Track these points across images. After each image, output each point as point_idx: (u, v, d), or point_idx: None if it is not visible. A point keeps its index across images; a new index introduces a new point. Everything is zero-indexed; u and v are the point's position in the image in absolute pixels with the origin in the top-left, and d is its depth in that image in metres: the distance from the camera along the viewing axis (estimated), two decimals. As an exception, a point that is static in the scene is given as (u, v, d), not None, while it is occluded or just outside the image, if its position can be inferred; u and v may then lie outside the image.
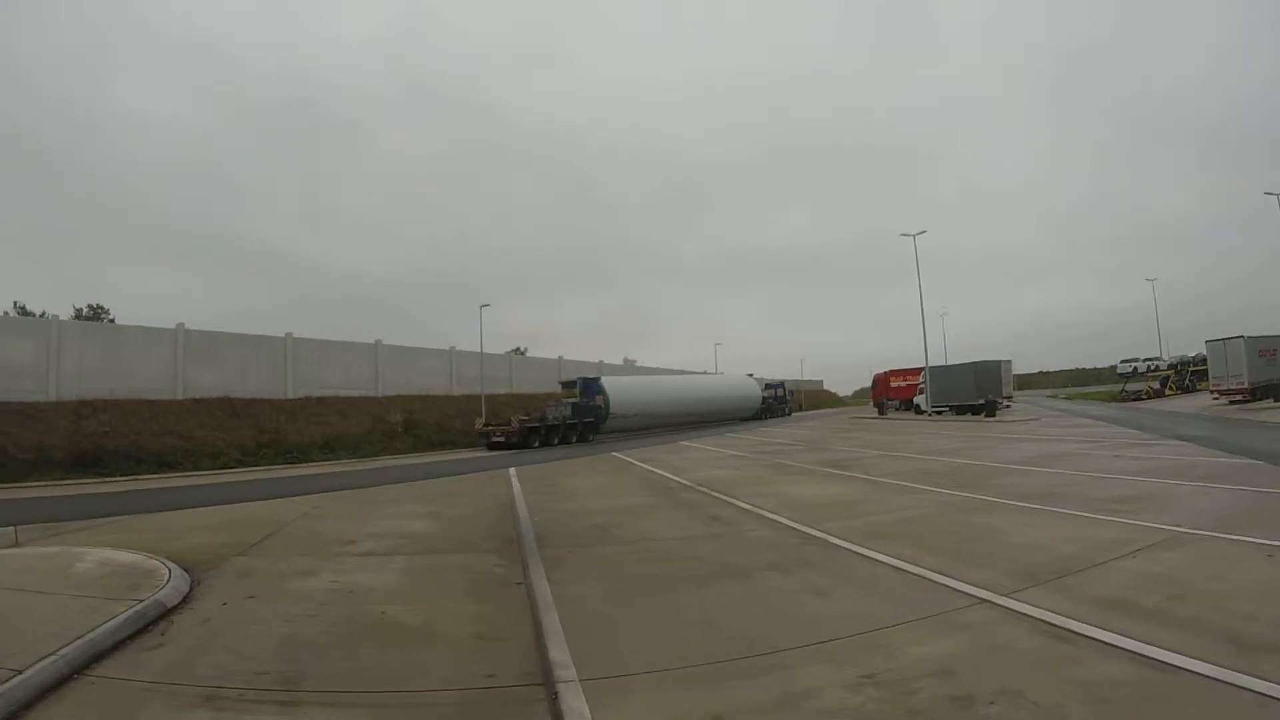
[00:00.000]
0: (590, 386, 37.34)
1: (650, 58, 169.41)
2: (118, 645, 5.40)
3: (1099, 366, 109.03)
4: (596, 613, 6.13)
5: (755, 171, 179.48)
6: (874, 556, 7.53)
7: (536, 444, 31.54)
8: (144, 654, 5.30)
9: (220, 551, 8.73)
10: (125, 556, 8.09)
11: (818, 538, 8.72)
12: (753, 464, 19.42)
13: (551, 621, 5.76)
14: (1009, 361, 49.20)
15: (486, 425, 32.52)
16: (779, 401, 58.10)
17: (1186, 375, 55.77)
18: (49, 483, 19.73)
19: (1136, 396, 53.83)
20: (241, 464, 24.78)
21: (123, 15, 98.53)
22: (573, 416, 34.77)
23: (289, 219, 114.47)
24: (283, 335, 32.00)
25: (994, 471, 14.91)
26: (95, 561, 7.85)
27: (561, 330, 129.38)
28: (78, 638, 5.20)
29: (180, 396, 27.24)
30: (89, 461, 21.94)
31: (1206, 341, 41.11)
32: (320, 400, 31.88)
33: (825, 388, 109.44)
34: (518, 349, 54.71)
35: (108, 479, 20.83)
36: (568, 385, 38.39)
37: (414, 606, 6.49)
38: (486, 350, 41.17)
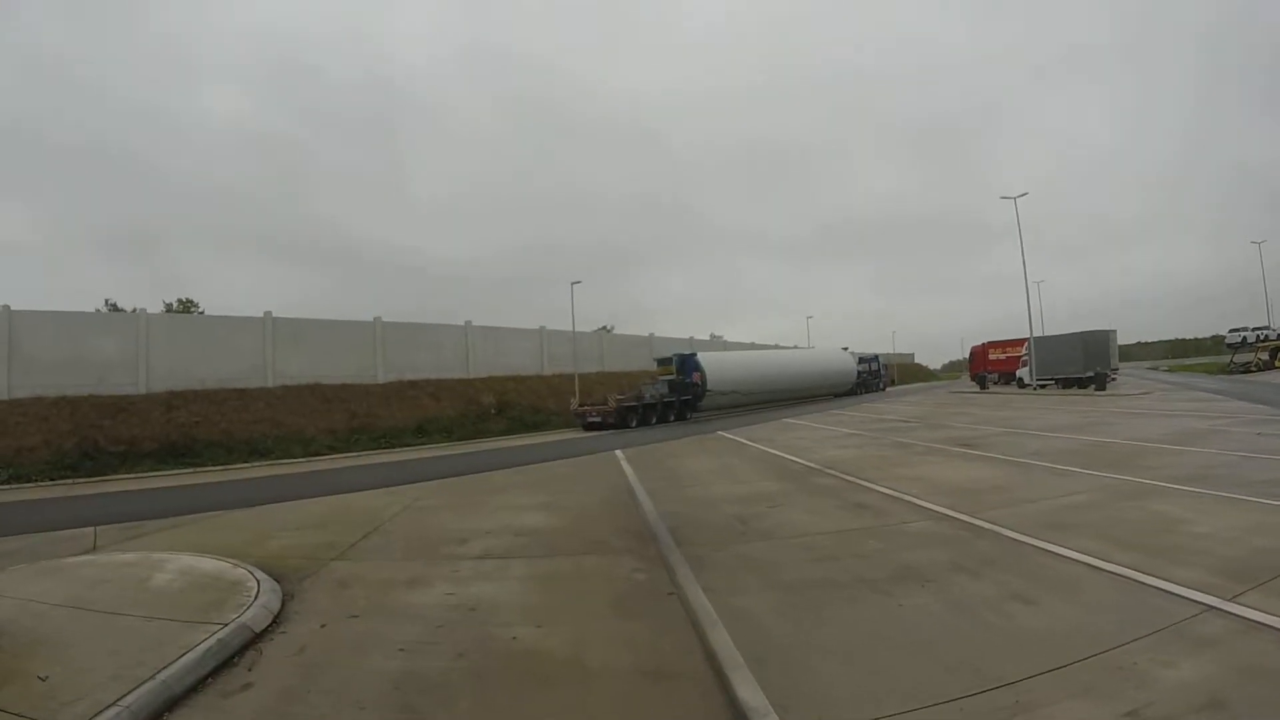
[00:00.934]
0: (687, 363, 35.88)
1: (733, 43, 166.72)
2: (196, 686, 4.37)
3: (1199, 336, 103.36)
4: (775, 632, 5.04)
5: (840, 142, 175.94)
6: (1060, 552, 6.67)
7: (634, 424, 30.44)
8: (226, 699, 4.28)
9: (316, 554, 7.76)
10: (209, 564, 7.09)
11: (987, 529, 7.77)
12: (873, 443, 18.08)
13: (724, 646, 4.75)
14: (1114, 331, 46.60)
15: (582, 406, 31.57)
16: (873, 376, 56.35)
17: None
18: (140, 475, 19.28)
19: (1245, 368, 51.35)
20: (333, 450, 24.10)
21: (195, 17, 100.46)
22: (670, 395, 33.57)
23: (371, 207, 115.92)
24: (371, 320, 31.45)
25: (1137, 451, 13.76)
26: (175, 571, 6.83)
27: (645, 308, 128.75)
28: (147, 679, 4.19)
29: (270, 384, 26.82)
30: (180, 452, 21.49)
31: None
32: (411, 384, 31.21)
33: (916, 361, 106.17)
34: (603, 327, 53.78)
35: (199, 469, 20.29)
36: (663, 362, 37.01)
37: (553, 628, 5.31)
38: (566, 329, 40.19)
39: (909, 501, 9.60)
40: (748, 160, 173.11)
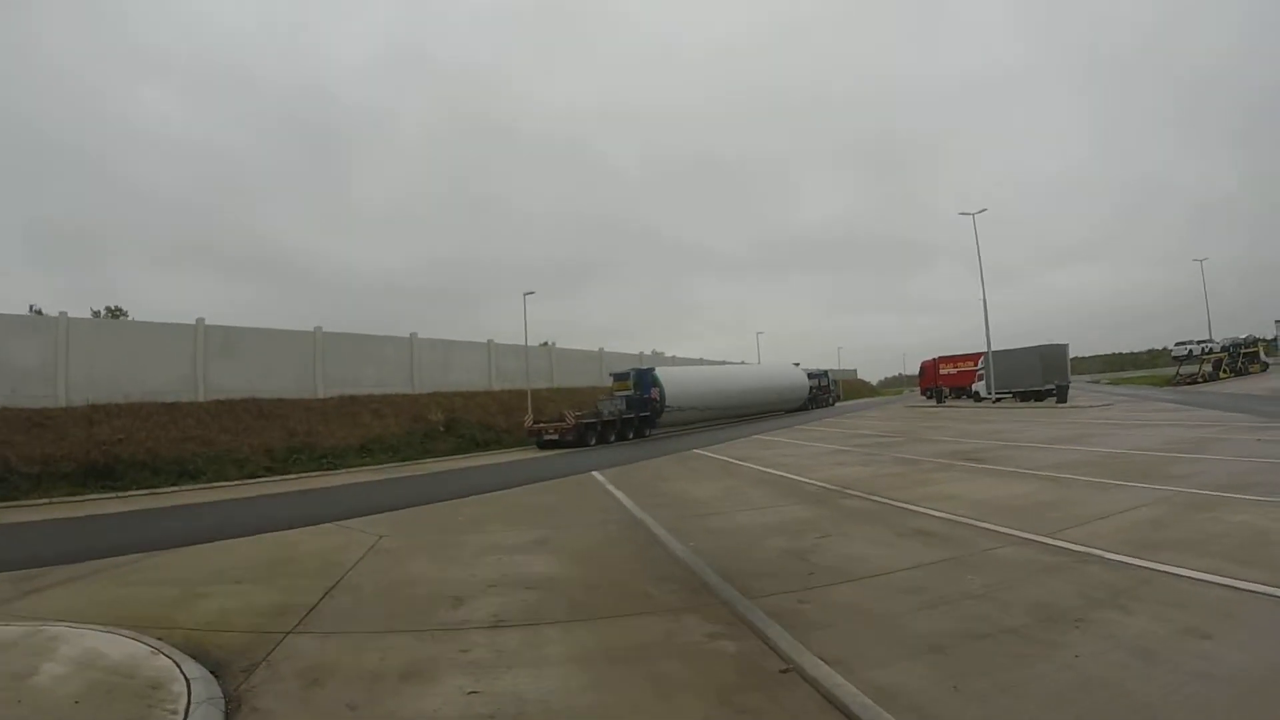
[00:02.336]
0: (644, 378, 34.42)
1: (666, 45, 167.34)
2: None
3: (1135, 351, 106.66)
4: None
5: (781, 162, 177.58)
6: (1185, 574, 6.03)
7: (593, 442, 28.91)
8: None
9: (266, 624, 5.82)
10: (120, 646, 5.07)
11: (1082, 552, 6.97)
12: (872, 459, 17.02)
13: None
14: (1068, 345, 46.65)
15: (538, 423, 29.77)
16: (823, 392, 56.04)
17: (1239, 358, 55.59)
18: (55, 500, 16.80)
19: (1191, 380, 52.64)
20: (270, 471, 21.83)
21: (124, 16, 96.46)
22: (628, 411, 32.07)
23: (306, 218, 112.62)
24: (311, 329, 29.20)
25: (1154, 460, 13.40)
26: (70, 660, 4.80)
27: (587, 325, 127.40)
28: None
29: (201, 398, 24.31)
30: (101, 472, 19.01)
31: (1277, 321, 39.72)
32: (354, 399, 28.88)
33: (859, 377, 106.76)
34: (545, 343, 52.33)
35: (122, 493, 17.86)
36: (619, 378, 35.42)
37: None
38: (520, 343, 38.73)
39: (969, 524, 8.64)
40: (693, 179, 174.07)
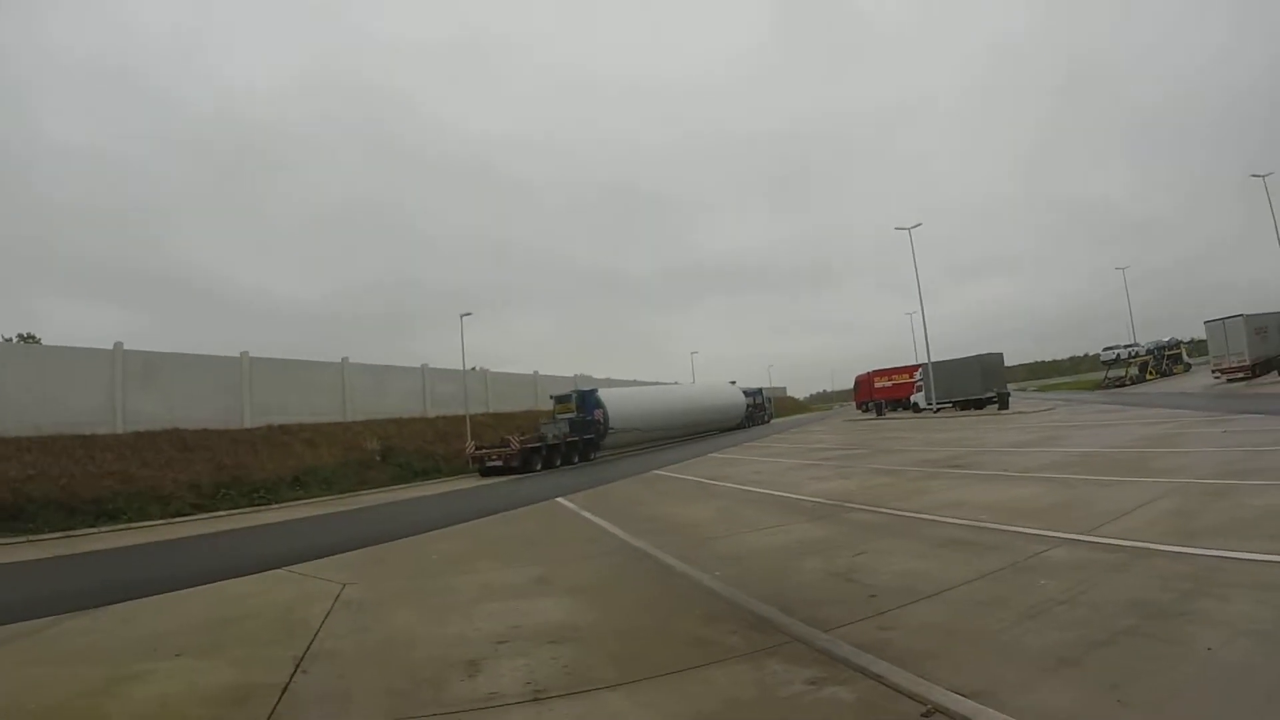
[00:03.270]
0: (587, 400, 33.34)
1: (578, 72, 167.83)
2: None
3: (1058, 359, 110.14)
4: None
5: (693, 186, 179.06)
6: (1257, 558, 5.78)
7: (539, 466, 27.67)
8: None
9: None
10: None
11: (1139, 547, 6.62)
12: (849, 472, 16.33)
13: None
14: (1003, 354, 47.35)
15: (480, 449, 28.41)
16: (759, 409, 55.91)
17: (1163, 360, 58.29)
18: None
19: (1120, 382, 54.90)
20: (198, 509, 19.96)
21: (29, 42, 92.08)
22: (572, 434, 30.90)
23: (222, 242, 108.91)
24: (237, 355, 27.30)
25: (1136, 457, 13.42)
26: None
27: (510, 351, 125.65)
28: None
29: (120, 430, 22.29)
30: (10, 513, 16.86)
31: (1206, 322, 42.75)
32: (284, 428, 27.04)
33: (789, 394, 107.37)
34: (473, 368, 51.05)
35: (34, 537, 15.85)
36: (561, 399, 34.04)
37: None
38: (451, 368, 37.46)
39: (1000, 530, 8.09)
40: (609, 207, 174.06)
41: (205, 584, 9.05)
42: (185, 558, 12.44)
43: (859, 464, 17.90)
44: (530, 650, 5.34)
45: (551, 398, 35.36)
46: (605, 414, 32.93)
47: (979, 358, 43.65)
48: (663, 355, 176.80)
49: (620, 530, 10.89)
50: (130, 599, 8.27)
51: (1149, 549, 6.52)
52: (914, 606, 5.60)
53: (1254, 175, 39.97)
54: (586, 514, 13.19)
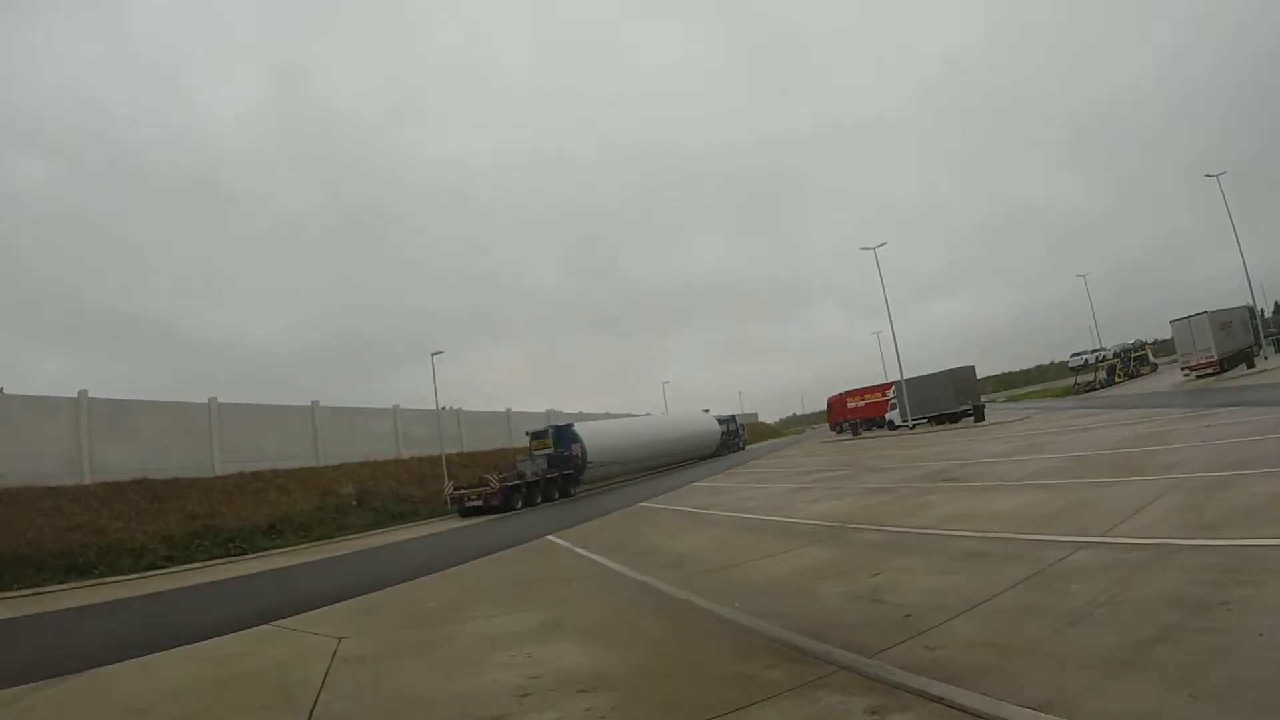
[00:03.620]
0: (564, 435, 32.85)
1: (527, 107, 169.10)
2: None
3: (1024, 368, 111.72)
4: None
5: (657, 220, 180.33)
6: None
7: (519, 505, 27.15)
8: None
9: None
10: None
11: (1159, 544, 6.64)
12: (841, 493, 15.91)
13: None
14: (974, 367, 47.57)
15: (458, 489, 27.84)
16: (733, 436, 55.54)
17: (1130, 362, 59.30)
18: None
19: (1089, 387, 55.74)
20: (171, 560, 19.26)
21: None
22: (551, 470, 30.46)
23: (184, 291, 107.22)
24: (205, 401, 26.65)
25: (1128, 457, 13.50)
26: None
27: (476, 388, 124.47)
28: None
29: (88, 481, 21.48)
30: None
31: (1171, 321, 43.32)
32: (255, 475, 26.25)
33: (760, 419, 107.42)
34: (445, 407, 50.50)
35: (0, 595, 15.81)
36: (537, 435, 33.55)
37: None
38: (421, 408, 36.87)
39: (1012, 539, 7.98)
40: (567, 231, 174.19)
41: (189, 643, 8.46)
42: (163, 615, 11.89)
43: (849, 484, 17.59)
44: (559, 702, 4.93)
45: (528, 434, 34.87)
46: (583, 448, 32.54)
47: (951, 372, 43.76)
48: (631, 386, 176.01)
49: (621, 566, 10.51)
50: (108, 663, 7.72)
51: (1170, 545, 6.51)
52: (952, 623, 5.40)
53: (1207, 175, 41.06)
54: (581, 550, 12.80)
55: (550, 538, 15.56)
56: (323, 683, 6.19)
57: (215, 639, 8.63)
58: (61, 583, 16.89)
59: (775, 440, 79.69)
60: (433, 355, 33.40)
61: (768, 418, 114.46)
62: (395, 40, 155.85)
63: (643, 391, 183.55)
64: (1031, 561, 6.78)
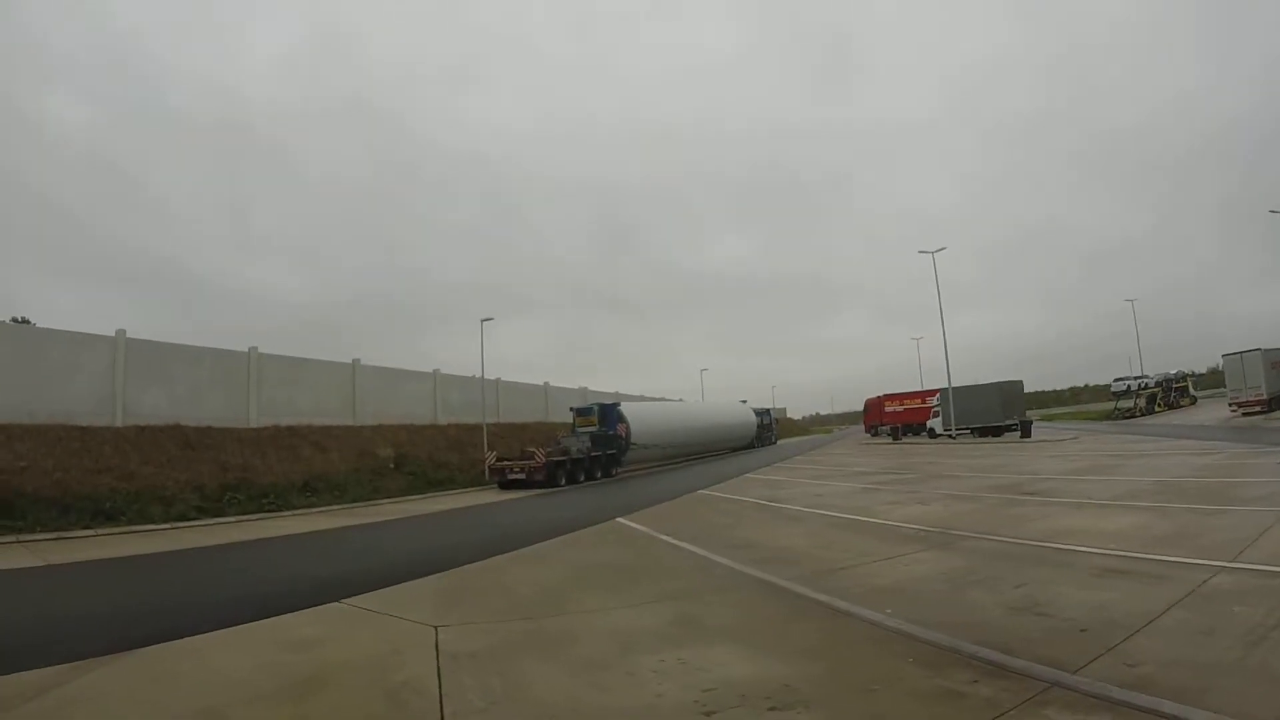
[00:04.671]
0: (609, 414, 31.53)
1: (577, 90, 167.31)
2: None
3: (1057, 389, 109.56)
4: None
5: (686, 204, 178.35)
6: None
7: (563, 481, 25.69)
8: None
9: None
10: None
11: None
12: (918, 497, 15.02)
13: None
14: (1022, 382, 46.03)
15: (501, 460, 26.33)
16: (766, 430, 54.29)
17: (1170, 392, 57.68)
18: None
19: (1129, 414, 53.69)
20: (202, 512, 17.95)
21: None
22: (594, 448, 28.92)
23: (215, 242, 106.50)
24: (245, 350, 25.21)
25: (1215, 486, 13.00)
26: None
27: (512, 360, 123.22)
28: None
29: (120, 423, 20.19)
30: None
31: (1223, 355, 42.32)
32: (291, 430, 24.96)
33: (789, 415, 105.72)
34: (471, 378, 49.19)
35: (24, 536, 13.95)
36: (582, 412, 32.24)
37: None
38: (459, 374, 35.55)
39: (1145, 558, 7.48)
40: (594, 210, 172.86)
41: (251, 619, 6.92)
42: (209, 575, 10.47)
43: (923, 489, 16.51)
44: None
45: (571, 410, 33.42)
46: (628, 429, 31.16)
47: (999, 385, 42.31)
48: (650, 369, 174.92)
49: (722, 558, 9.27)
50: (155, 639, 6.20)
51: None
52: (1134, 640, 4.96)
53: (1272, 211, 38.92)
54: (667, 538, 11.33)
55: (621, 520, 14.07)
56: (440, 689, 4.71)
57: (279, 616, 7.09)
58: (88, 527, 15.52)
59: (805, 438, 78.01)
60: (482, 321, 31.74)
61: (794, 414, 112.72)
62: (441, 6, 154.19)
63: (663, 376, 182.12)
64: (1179, 583, 6.39)
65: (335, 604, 7.61)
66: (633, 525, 13.27)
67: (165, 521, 16.90)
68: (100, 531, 15.39)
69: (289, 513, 19.35)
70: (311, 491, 21.76)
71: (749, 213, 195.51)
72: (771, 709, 4.12)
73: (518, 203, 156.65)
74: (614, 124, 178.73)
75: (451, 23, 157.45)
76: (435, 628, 6.38)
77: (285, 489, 21.13)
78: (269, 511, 19.23)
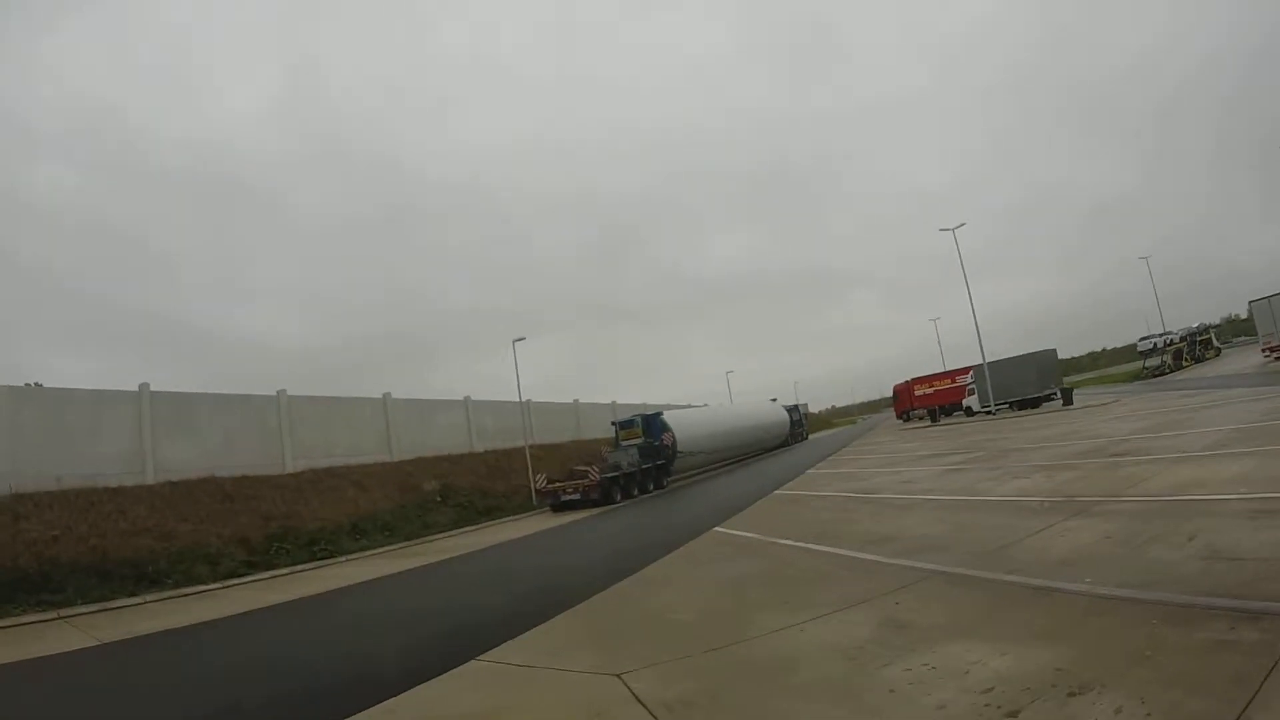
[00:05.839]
0: (653, 424, 30.07)
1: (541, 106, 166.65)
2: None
3: (1075, 355, 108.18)
4: None
5: (685, 207, 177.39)
6: None
7: (619, 498, 24.35)
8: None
9: None
10: None
11: None
12: (1017, 470, 14.06)
13: None
14: (1055, 350, 44.82)
15: (551, 482, 24.89)
16: (798, 426, 53.07)
17: (1196, 346, 57.11)
18: None
19: (1158, 372, 53.06)
20: (252, 567, 16.44)
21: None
22: (644, 461, 27.47)
23: (212, 294, 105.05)
24: (273, 394, 23.76)
25: None
26: None
27: (522, 384, 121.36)
28: None
29: (151, 480, 18.60)
30: (34, 584, 13.24)
31: (1250, 302, 40.37)
32: (329, 471, 23.38)
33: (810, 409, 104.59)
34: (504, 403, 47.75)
35: (65, 611, 12.47)
36: (625, 425, 30.71)
37: None
38: (495, 399, 34.16)
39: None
40: (591, 224, 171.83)
41: (388, 696, 5.38)
42: (298, 643, 8.89)
43: (1008, 463, 15.58)
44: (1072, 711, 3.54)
45: (613, 424, 31.93)
46: (674, 438, 29.68)
47: (1034, 355, 41.15)
48: (676, 377, 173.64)
49: (867, 554, 8.44)
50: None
51: None
52: None
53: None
54: (786, 541, 10.24)
55: (720, 529, 12.73)
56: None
57: (417, 688, 5.55)
58: (132, 594, 13.97)
59: (832, 431, 76.39)
60: (514, 342, 30.28)
61: (813, 409, 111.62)
62: (409, 35, 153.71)
63: (682, 382, 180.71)
64: None
65: (475, 662, 6.15)
66: (738, 533, 11.94)
67: (214, 581, 15.36)
68: (148, 598, 13.84)
69: (344, 558, 17.82)
70: (361, 533, 20.21)
71: (749, 209, 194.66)
72: (1070, 695, 3.74)
73: (517, 223, 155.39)
74: (604, 134, 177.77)
75: (421, 51, 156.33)
76: (618, 676, 5.09)
77: (334, 533, 19.56)
78: (322, 559, 17.68)
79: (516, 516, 24.44)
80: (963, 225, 40.32)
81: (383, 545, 19.60)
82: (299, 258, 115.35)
